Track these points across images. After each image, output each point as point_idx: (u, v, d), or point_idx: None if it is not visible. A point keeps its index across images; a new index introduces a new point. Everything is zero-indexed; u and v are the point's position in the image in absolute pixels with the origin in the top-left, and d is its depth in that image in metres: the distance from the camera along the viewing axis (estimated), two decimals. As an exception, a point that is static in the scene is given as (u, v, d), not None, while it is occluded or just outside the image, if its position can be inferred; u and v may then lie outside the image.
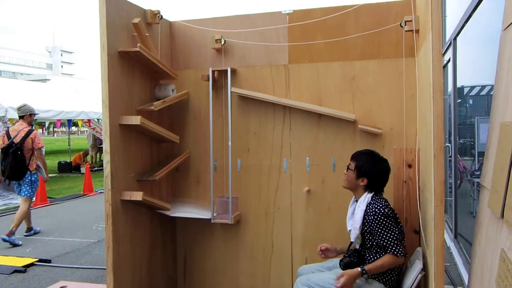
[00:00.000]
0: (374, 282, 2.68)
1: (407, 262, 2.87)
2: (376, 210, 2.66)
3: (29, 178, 6.21)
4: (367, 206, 2.71)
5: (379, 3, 3.32)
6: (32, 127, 6.36)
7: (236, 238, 3.76)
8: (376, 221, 2.64)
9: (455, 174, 5.35)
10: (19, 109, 6.36)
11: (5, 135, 6.20)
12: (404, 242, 2.78)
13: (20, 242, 6.12)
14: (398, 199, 3.22)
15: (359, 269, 2.62)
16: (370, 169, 2.77)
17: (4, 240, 5.98)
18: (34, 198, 6.49)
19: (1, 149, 6.14)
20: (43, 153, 6.80)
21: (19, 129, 6.13)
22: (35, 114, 6.73)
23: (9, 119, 10.72)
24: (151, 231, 3.58)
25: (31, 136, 6.15)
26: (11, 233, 6.05)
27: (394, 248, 2.61)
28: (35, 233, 6.63)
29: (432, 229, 2.25)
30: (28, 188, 6.24)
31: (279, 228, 3.64)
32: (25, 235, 6.48)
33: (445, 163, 5.43)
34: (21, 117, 6.35)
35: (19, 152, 5.98)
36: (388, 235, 2.62)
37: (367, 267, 2.63)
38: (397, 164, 3.23)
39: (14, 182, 6.27)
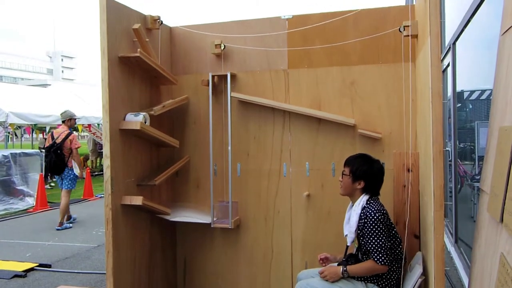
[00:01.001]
0: (373, 287, 2.68)
1: (407, 267, 2.87)
2: (368, 214, 2.66)
3: (69, 173, 7.26)
4: (361, 209, 2.72)
5: (377, 8, 3.33)
6: (71, 130, 7.50)
7: (236, 243, 3.76)
8: (367, 225, 2.65)
9: (455, 178, 5.35)
10: (61, 114, 7.56)
11: (50, 136, 7.47)
12: (400, 249, 2.77)
13: (70, 225, 7.45)
14: (398, 203, 3.22)
15: (341, 267, 2.70)
16: (366, 171, 2.78)
17: (59, 229, 7.21)
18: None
19: (45, 148, 7.34)
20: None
21: (60, 132, 7.30)
22: (75, 119, 7.76)
23: (10, 124, 10.73)
24: (151, 235, 3.58)
25: (70, 138, 7.25)
26: (61, 224, 7.30)
27: (376, 255, 2.61)
28: (71, 223, 7.55)
29: (432, 233, 2.25)
30: (68, 182, 7.30)
31: (279, 232, 3.64)
32: (57, 229, 7.26)
33: (445, 168, 5.43)
34: (63, 122, 7.46)
35: (59, 151, 7.09)
36: (374, 241, 2.62)
37: (349, 267, 2.70)
38: (396, 168, 3.23)
39: (55, 176, 7.46)
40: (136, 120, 3.21)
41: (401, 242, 2.80)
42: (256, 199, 3.68)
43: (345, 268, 2.69)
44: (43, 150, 7.75)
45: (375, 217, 2.63)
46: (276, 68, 3.58)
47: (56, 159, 7.08)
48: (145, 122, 3.29)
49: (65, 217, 7.40)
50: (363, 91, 3.38)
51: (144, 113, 3.28)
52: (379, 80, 3.34)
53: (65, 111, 7.56)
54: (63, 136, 7.22)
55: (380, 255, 2.60)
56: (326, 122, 3.44)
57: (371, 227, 2.63)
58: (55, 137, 7.26)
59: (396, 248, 2.75)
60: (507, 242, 1.67)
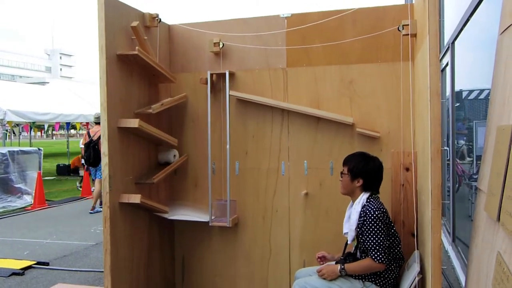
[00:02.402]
0: (371, 285, 2.69)
1: (404, 266, 2.87)
2: (367, 212, 2.67)
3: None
4: (361, 207, 2.72)
5: (376, 7, 3.33)
6: None
7: (234, 241, 3.76)
8: (366, 223, 2.65)
9: (453, 177, 5.36)
10: (95, 117, 8.93)
11: (87, 135, 8.75)
12: (399, 249, 2.78)
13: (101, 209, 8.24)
14: (396, 202, 3.22)
15: (339, 265, 2.71)
16: (363, 168, 2.79)
17: (92, 213, 8.42)
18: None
19: (84, 144, 8.59)
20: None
21: (96, 130, 8.34)
22: None
23: (8, 121, 10.71)
24: (149, 234, 3.58)
25: None
26: (93, 208, 8.49)
27: (374, 253, 2.62)
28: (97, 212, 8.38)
29: (429, 232, 2.26)
30: (100, 173, 8.08)
31: (277, 231, 3.64)
32: (90, 212, 8.41)
33: (443, 167, 5.44)
34: (97, 123, 8.56)
35: (96, 147, 8.15)
36: (372, 239, 2.63)
37: (347, 265, 2.70)
38: (394, 167, 3.24)
39: (91, 168, 8.65)
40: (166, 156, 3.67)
41: (400, 242, 2.80)
42: (254, 197, 3.68)
43: (343, 266, 2.70)
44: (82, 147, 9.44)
45: (374, 215, 2.64)
46: (274, 66, 3.58)
47: (93, 154, 8.19)
48: (174, 157, 3.68)
49: (98, 202, 8.41)
50: (361, 90, 3.38)
51: (174, 149, 3.67)
52: (378, 79, 3.34)
53: (97, 113, 8.63)
54: (99, 134, 8.01)
55: (378, 253, 2.61)
56: (324, 120, 3.44)
57: (370, 225, 2.63)
58: (91, 135, 8.42)
59: (395, 247, 2.76)
60: (503, 241, 1.67)
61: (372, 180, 2.80)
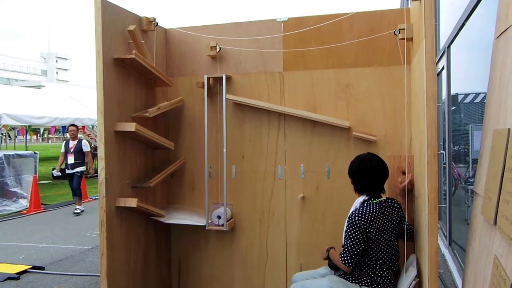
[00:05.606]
0: (368, 289, 2.69)
1: (401, 270, 2.87)
2: (351, 215, 2.70)
3: None
4: (352, 211, 2.74)
5: (373, 11, 3.34)
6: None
7: (230, 245, 3.75)
8: (347, 225, 2.70)
9: (449, 181, 5.37)
10: None
11: None
12: (394, 258, 2.76)
13: None
14: (393, 206, 3.22)
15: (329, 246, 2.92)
16: (350, 168, 2.84)
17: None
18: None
19: None
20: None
21: None
22: None
23: (4, 125, 10.66)
24: (146, 238, 3.57)
25: None
26: None
27: (342, 253, 2.68)
28: None
29: (426, 235, 2.26)
30: None
31: (274, 234, 3.64)
32: None
33: (439, 170, 5.45)
34: None
35: None
36: (345, 240, 2.68)
37: (331, 251, 2.88)
38: (391, 171, 3.23)
39: None
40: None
41: (397, 249, 2.78)
42: (251, 201, 3.67)
43: (328, 249, 2.85)
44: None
45: (353, 220, 2.65)
46: (271, 70, 3.58)
47: None
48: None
49: None
50: (358, 94, 3.39)
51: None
52: (374, 83, 3.35)
53: None
54: None
55: (345, 254, 2.66)
56: (321, 124, 3.45)
57: (347, 227, 2.69)
58: None
59: (389, 255, 2.71)
60: (500, 244, 1.67)
61: (360, 180, 2.80)
